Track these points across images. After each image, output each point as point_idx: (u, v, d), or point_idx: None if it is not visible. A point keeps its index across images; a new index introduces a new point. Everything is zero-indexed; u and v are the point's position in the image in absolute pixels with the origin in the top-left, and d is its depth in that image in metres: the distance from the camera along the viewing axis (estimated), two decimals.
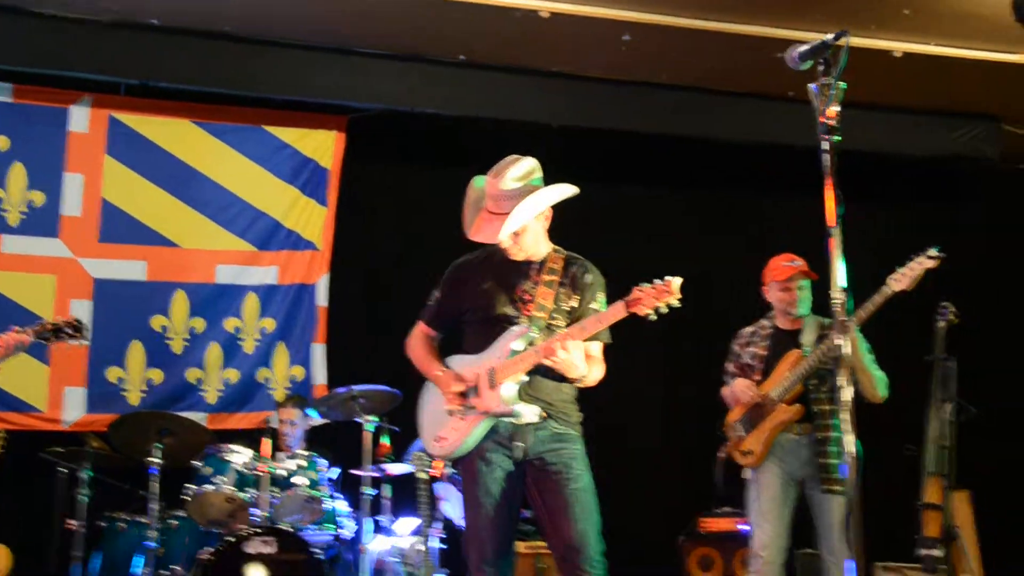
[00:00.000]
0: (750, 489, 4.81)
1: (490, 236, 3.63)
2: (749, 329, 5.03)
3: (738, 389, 4.81)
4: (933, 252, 4.44)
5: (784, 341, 4.84)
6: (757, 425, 4.74)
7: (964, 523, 6.45)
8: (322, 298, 6.73)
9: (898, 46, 6.24)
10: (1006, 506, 7.23)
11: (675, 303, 3.34)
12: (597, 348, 3.70)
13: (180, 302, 6.47)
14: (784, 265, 4.85)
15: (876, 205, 7.44)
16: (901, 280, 4.45)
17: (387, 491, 5.67)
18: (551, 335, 3.57)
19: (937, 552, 4.95)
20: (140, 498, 5.39)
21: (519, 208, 3.58)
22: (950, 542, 5.02)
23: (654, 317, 3.35)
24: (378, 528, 5.64)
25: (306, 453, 5.66)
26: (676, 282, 3.34)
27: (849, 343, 4.47)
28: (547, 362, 3.50)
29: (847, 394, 2.64)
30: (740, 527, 5.92)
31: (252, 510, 5.34)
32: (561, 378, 3.60)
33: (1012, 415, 7.52)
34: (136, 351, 6.37)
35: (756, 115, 6.94)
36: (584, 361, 3.55)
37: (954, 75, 6.55)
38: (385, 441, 5.77)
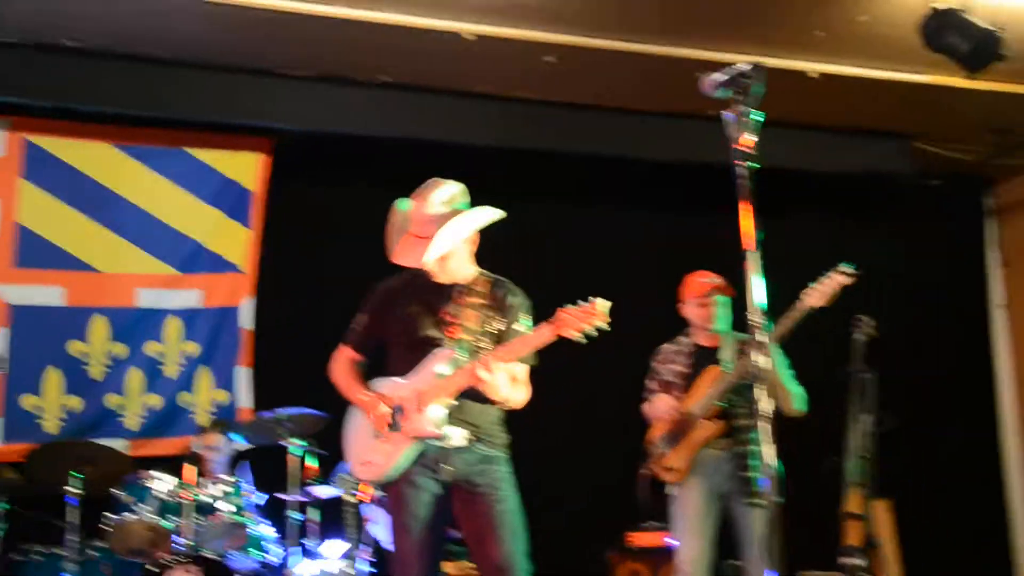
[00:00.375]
0: (674, 504, 4.87)
1: (415, 260, 3.64)
2: (668, 346, 5.10)
3: (660, 406, 4.87)
4: (846, 268, 4.55)
5: (704, 358, 4.91)
6: (680, 441, 4.80)
7: (885, 532, 6.61)
8: (246, 321, 6.65)
9: (814, 67, 6.39)
10: (926, 515, 7.42)
11: (603, 325, 3.36)
12: (523, 370, 3.72)
13: (99, 327, 6.34)
14: (700, 282, 4.93)
15: (795, 221, 7.59)
16: (815, 296, 4.55)
17: (314, 515, 5.61)
18: (477, 357, 3.58)
19: (859, 561, 5.06)
20: (58, 529, 5.25)
21: (443, 232, 3.59)
22: (871, 551, 5.14)
23: (582, 340, 3.37)
24: (306, 553, 5.58)
25: (231, 479, 5.57)
26: (603, 304, 3.36)
27: (766, 360, 4.59)
28: (474, 384, 3.51)
29: (766, 407, 2.68)
30: (667, 541, 5.98)
31: (175, 538, 5.24)
32: (487, 400, 3.61)
33: (929, 425, 7.73)
34: (53, 378, 6.21)
35: (677, 135, 7.04)
36: (509, 384, 3.57)
37: (867, 95, 6.73)
38: (312, 464, 5.71)
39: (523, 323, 3.74)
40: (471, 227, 3.71)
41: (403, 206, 3.78)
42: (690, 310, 4.97)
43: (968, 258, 8.65)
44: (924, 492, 7.47)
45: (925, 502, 7.47)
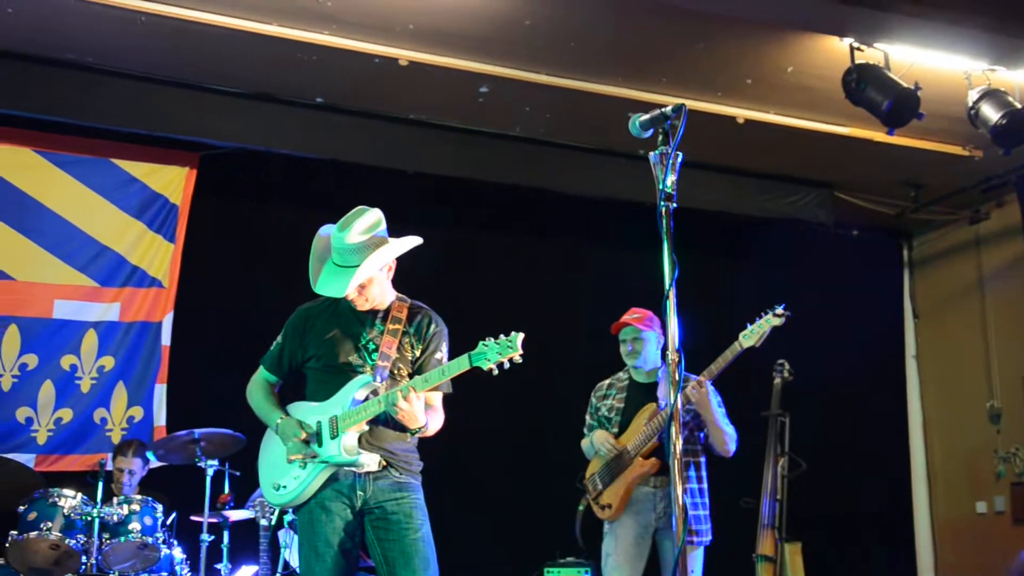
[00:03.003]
0: (606, 540, 4.88)
1: (336, 291, 3.63)
2: (606, 382, 5.13)
3: (597, 442, 4.88)
4: (780, 310, 4.62)
5: (640, 393, 4.95)
6: (616, 478, 4.82)
7: (795, 574, 6.69)
8: (167, 337, 6.54)
9: (741, 113, 6.55)
10: (837, 558, 7.55)
11: (517, 359, 3.39)
12: (438, 399, 3.73)
13: (11, 337, 6.18)
14: (623, 319, 4.96)
15: (716, 262, 7.73)
16: (751, 337, 4.62)
17: (226, 538, 5.52)
18: (395, 384, 3.58)
19: None
20: None
21: (366, 263, 3.59)
22: None
23: (496, 372, 3.39)
24: None
25: (140, 497, 5.44)
26: (519, 338, 3.39)
27: (681, 398, 4.65)
28: (390, 412, 3.50)
29: (678, 447, 2.71)
30: None
31: (82, 558, 5.10)
32: (403, 428, 3.60)
33: (843, 470, 7.87)
34: None
35: (605, 170, 7.13)
36: (424, 412, 3.57)
37: (792, 143, 6.91)
38: (226, 486, 5.63)
39: (442, 351, 3.75)
40: (391, 256, 3.72)
41: (325, 233, 3.78)
42: (620, 347, 5.01)
43: (887, 308, 8.87)
44: (836, 536, 7.60)
45: (837, 545, 7.61)
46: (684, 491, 4.69)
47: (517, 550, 6.72)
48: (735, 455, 4.92)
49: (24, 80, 5.92)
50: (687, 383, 4.73)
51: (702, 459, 4.83)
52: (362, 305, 3.71)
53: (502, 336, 3.40)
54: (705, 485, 4.80)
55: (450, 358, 3.66)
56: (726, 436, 4.81)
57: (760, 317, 4.65)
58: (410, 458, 3.71)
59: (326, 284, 3.67)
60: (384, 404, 3.49)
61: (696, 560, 4.66)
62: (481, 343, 3.42)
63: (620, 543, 4.78)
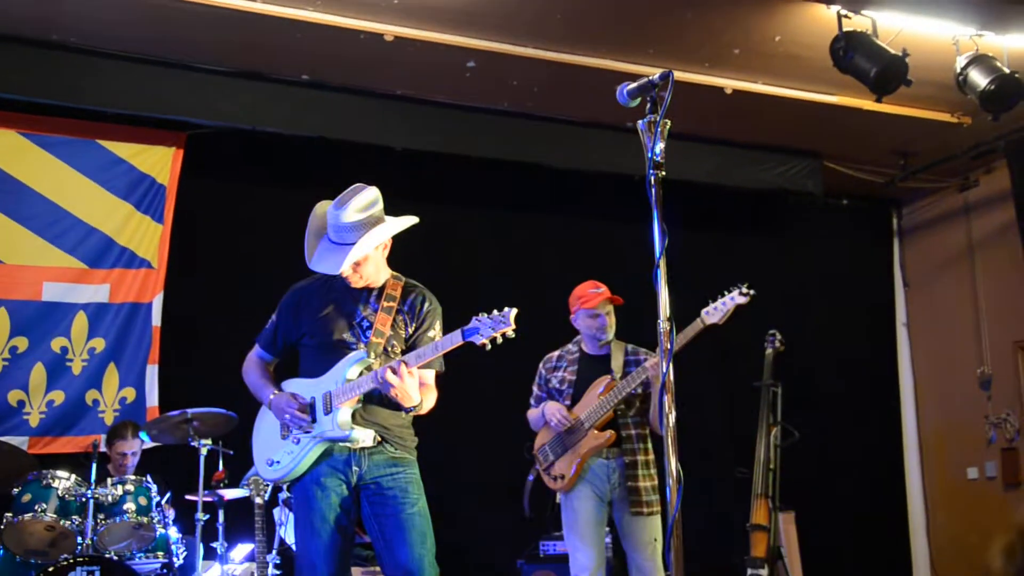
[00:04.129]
0: (564, 512, 4.90)
1: (331, 267, 3.62)
2: (555, 353, 5.13)
3: (549, 412, 4.88)
4: (745, 289, 4.61)
5: (593, 366, 4.95)
6: (568, 449, 4.84)
7: (789, 543, 6.74)
8: (157, 318, 6.52)
9: (729, 83, 6.54)
10: (829, 526, 7.61)
11: (510, 334, 3.39)
12: (430, 376, 3.73)
13: (1, 320, 6.15)
14: (591, 292, 4.94)
15: (705, 234, 7.73)
16: (713, 315, 4.61)
17: (221, 516, 5.53)
18: (388, 360, 3.58)
19: (763, 572, 5.16)
20: None
21: (362, 241, 3.58)
22: (775, 562, 5.24)
23: (489, 347, 3.39)
24: (212, 554, 5.49)
25: (134, 478, 5.44)
26: (512, 313, 3.39)
27: (641, 374, 4.67)
28: (383, 391, 3.50)
29: (672, 418, 2.72)
30: None
31: (77, 539, 5.11)
32: (396, 405, 3.61)
33: (835, 439, 7.93)
34: None
35: (594, 143, 7.12)
36: (418, 390, 3.57)
37: (780, 113, 6.91)
38: (219, 465, 5.63)
39: (435, 329, 3.75)
40: (387, 235, 3.72)
41: (321, 210, 3.77)
42: (582, 321, 4.98)
43: (877, 277, 8.91)
44: (828, 504, 7.66)
45: (829, 514, 7.66)
46: (636, 463, 4.72)
47: (502, 522, 6.74)
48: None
49: (8, 61, 5.88)
50: (648, 358, 4.76)
51: (649, 432, 4.86)
52: (356, 283, 3.71)
53: (495, 311, 3.40)
54: (654, 457, 4.83)
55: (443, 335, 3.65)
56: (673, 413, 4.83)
57: (724, 295, 4.63)
58: (404, 434, 3.71)
59: (321, 260, 3.67)
60: (376, 381, 3.49)
61: (657, 527, 4.71)
62: (474, 318, 3.42)
63: (580, 516, 4.80)
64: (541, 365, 5.12)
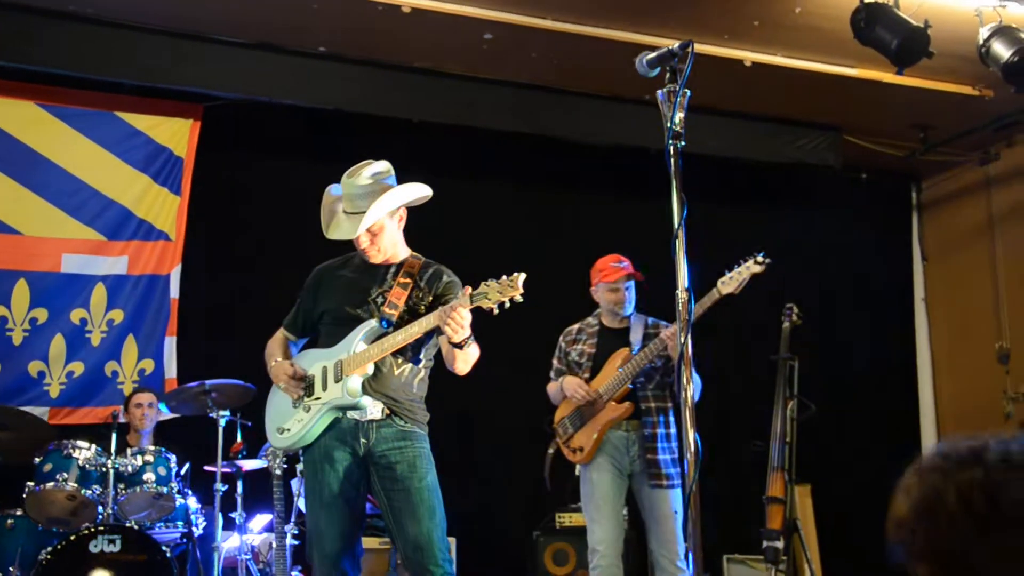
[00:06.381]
0: (583, 485, 4.91)
1: (347, 233, 3.64)
2: (575, 326, 5.13)
3: (568, 386, 4.89)
4: (760, 258, 4.59)
5: (612, 339, 4.95)
6: (587, 422, 4.85)
7: (805, 515, 6.75)
8: (175, 290, 6.56)
9: (748, 55, 6.47)
10: (845, 500, 7.60)
11: (518, 298, 3.38)
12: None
13: (21, 291, 6.20)
14: (613, 266, 4.94)
15: (724, 207, 7.69)
16: (730, 284, 4.60)
17: (240, 487, 5.58)
18: (399, 331, 3.58)
19: (779, 544, 5.16)
20: None
21: (376, 204, 3.60)
22: (791, 534, 5.25)
23: (496, 311, 3.39)
24: (230, 525, 5.54)
25: (153, 448, 5.49)
26: (520, 278, 3.38)
27: (659, 345, 4.66)
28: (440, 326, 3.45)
29: (690, 391, 2.72)
30: None
31: (98, 508, 5.16)
32: (408, 378, 3.62)
33: (852, 412, 7.91)
34: None
35: (612, 117, 7.07)
36: (468, 327, 3.48)
37: (799, 86, 6.84)
38: (238, 436, 5.67)
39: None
40: (401, 200, 3.73)
41: (334, 191, 3.81)
42: (602, 294, 4.98)
43: (895, 251, 8.85)
44: (844, 477, 7.65)
45: (845, 487, 7.66)
46: (655, 436, 4.72)
47: (517, 494, 6.78)
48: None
49: (25, 32, 5.88)
50: (664, 330, 4.74)
51: (670, 406, 4.85)
52: (375, 256, 3.72)
53: (504, 276, 3.40)
54: (674, 430, 4.82)
55: None
56: (691, 385, 4.81)
57: (740, 264, 4.61)
58: (414, 407, 3.71)
59: (338, 229, 3.70)
60: (388, 347, 3.50)
61: (677, 500, 4.71)
62: (483, 283, 3.42)
63: (598, 488, 4.80)
64: (561, 338, 5.12)
